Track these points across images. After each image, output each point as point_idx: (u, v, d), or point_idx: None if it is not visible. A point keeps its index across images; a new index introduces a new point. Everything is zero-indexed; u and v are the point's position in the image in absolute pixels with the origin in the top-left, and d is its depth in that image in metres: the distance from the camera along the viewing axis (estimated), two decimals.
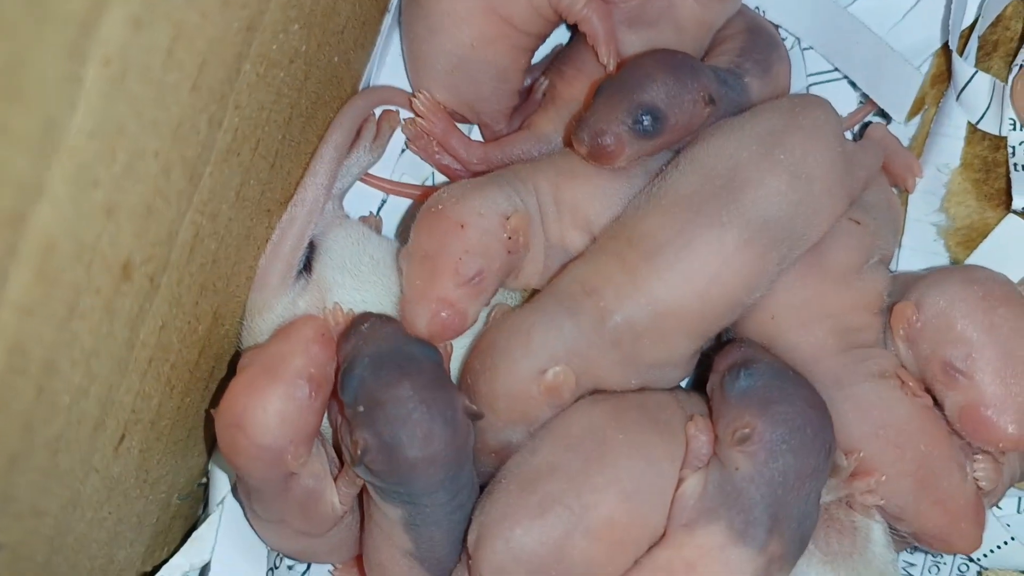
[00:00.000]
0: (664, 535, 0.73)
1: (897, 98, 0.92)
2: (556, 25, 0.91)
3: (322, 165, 0.87)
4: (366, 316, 0.79)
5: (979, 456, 0.78)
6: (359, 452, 0.72)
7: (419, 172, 0.97)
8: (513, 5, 0.87)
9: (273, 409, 0.74)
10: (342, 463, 0.80)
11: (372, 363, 0.73)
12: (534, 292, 0.84)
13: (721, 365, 0.77)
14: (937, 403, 0.79)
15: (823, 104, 0.82)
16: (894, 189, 0.91)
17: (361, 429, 0.72)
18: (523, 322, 0.77)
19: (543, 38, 0.93)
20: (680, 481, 0.74)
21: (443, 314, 0.77)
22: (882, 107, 0.92)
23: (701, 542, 0.72)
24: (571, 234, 0.83)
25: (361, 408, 0.72)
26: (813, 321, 0.80)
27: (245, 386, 0.76)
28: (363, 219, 0.93)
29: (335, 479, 0.79)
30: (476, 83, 0.91)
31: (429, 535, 0.75)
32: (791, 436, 0.71)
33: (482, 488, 0.77)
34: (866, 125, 0.94)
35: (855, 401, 0.77)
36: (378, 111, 0.93)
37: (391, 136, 0.94)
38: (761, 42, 0.89)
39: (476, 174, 0.91)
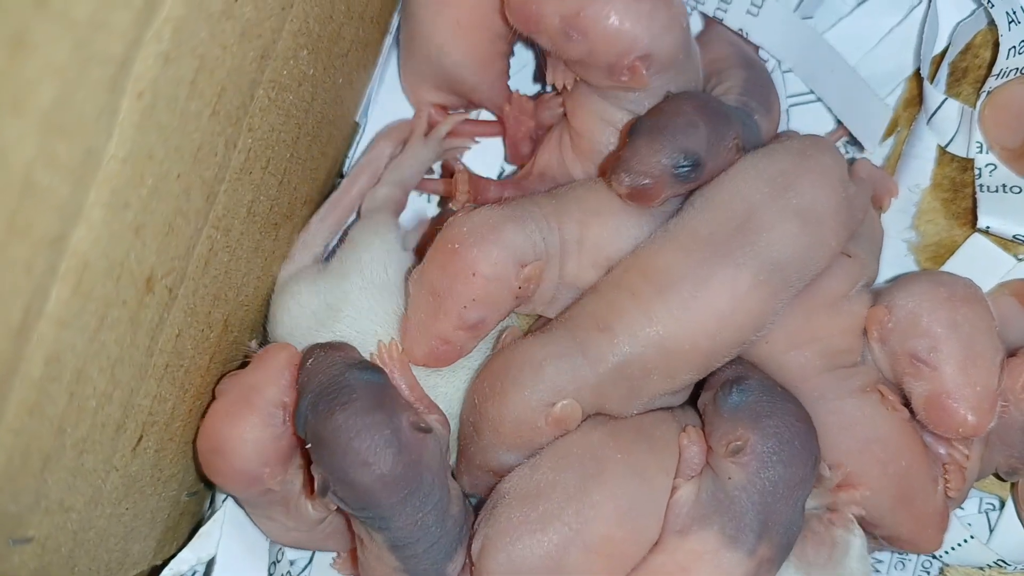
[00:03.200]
0: (658, 542, 0.77)
1: (868, 129, 0.96)
2: None
3: (365, 166, 0.94)
4: (312, 350, 0.81)
5: (949, 467, 0.83)
6: (319, 487, 0.75)
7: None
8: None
9: (250, 437, 0.79)
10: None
11: (312, 400, 0.75)
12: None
13: (714, 382, 0.81)
14: (907, 403, 0.83)
15: (830, 148, 0.85)
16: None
17: (315, 465, 0.75)
18: (536, 354, 0.78)
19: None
20: (674, 490, 0.77)
21: (440, 348, 0.80)
22: (854, 136, 0.96)
23: (694, 547, 0.75)
24: (588, 272, 0.82)
25: (310, 445, 0.75)
26: (802, 344, 0.83)
27: (224, 414, 0.81)
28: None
29: (308, 497, 0.83)
30: (460, 72, 0.95)
31: (413, 553, 0.77)
32: (781, 448, 0.75)
33: (476, 503, 0.81)
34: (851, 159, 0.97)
35: (840, 417, 0.81)
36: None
37: (446, 130, 0.98)
38: (760, 79, 0.92)
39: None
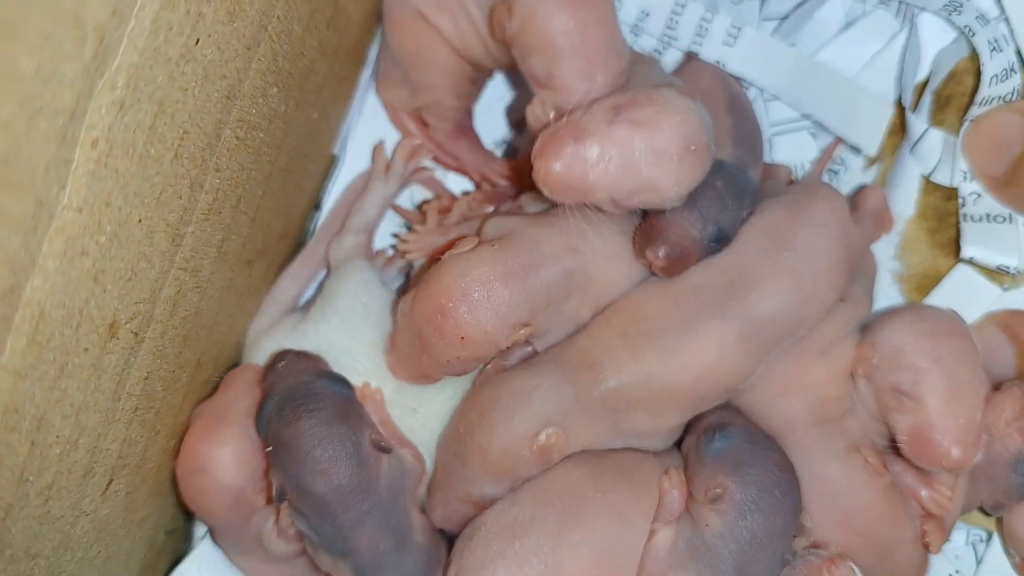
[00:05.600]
0: None
1: (868, 132, 0.94)
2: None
3: (332, 217, 0.95)
4: (284, 354, 0.81)
5: (929, 527, 0.82)
6: (275, 493, 0.75)
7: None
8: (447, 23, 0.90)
9: (231, 449, 0.80)
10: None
11: (278, 403, 0.76)
12: None
13: (698, 427, 0.80)
14: (893, 442, 0.82)
15: (827, 195, 0.84)
16: None
17: (273, 469, 0.75)
18: (525, 384, 0.78)
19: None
20: (651, 534, 0.77)
21: (422, 379, 0.81)
22: (853, 144, 0.95)
23: None
24: (585, 310, 0.81)
25: (270, 448, 0.75)
26: (791, 392, 0.82)
27: (201, 434, 0.81)
28: (378, 254, 0.98)
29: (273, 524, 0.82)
30: (426, 79, 0.95)
31: None
32: (760, 497, 0.74)
33: (450, 536, 0.80)
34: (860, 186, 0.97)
35: (823, 487, 0.80)
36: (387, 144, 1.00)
37: (406, 164, 0.98)
38: (748, 126, 0.90)
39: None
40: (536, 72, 0.80)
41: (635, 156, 0.74)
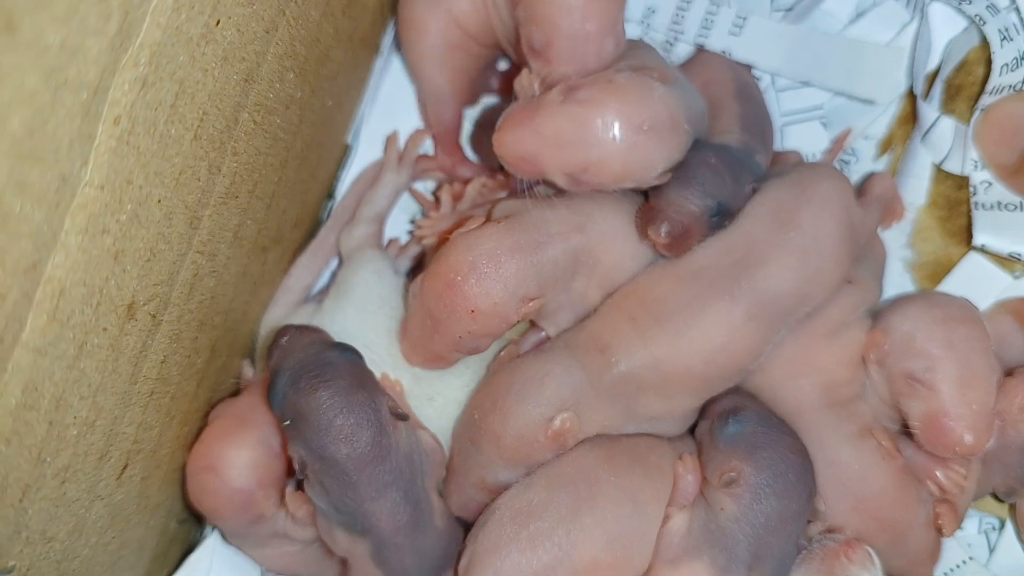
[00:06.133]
0: (648, 570, 0.76)
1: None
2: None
3: (343, 207, 0.95)
4: (286, 329, 0.81)
5: (942, 511, 0.82)
6: (297, 466, 0.74)
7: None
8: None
9: (246, 454, 0.79)
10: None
11: (291, 376, 0.75)
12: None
13: (712, 411, 0.80)
14: (906, 427, 0.82)
15: (831, 174, 0.85)
16: None
17: (293, 443, 0.75)
18: (538, 370, 0.79)
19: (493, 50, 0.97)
20: (666, 518, 0.77)
21: (435, 362, 0.81)
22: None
23: None
24: (593, 293, 0.82)
25: (288, 422, 0.75)
26: (800, 375, 0.82)
27: (219, 433, 0.81)
28: (391, 243, 0.98)
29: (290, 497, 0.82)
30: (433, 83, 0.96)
31: (400, 562, 0.77)
32: (775, 481, 0.74)
33: (466, 524, 0.81)
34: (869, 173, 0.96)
35: (836, 470, 0.80)
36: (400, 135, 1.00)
37: (416, 153, 0.99)
38: (757, 113, 0.91)
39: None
40: (533, 41, 0.81)
41: (582, 134, 0.76)
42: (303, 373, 0.75)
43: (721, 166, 0.81)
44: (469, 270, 0.76)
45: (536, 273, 0.78)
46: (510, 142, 0.78)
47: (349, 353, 0.78)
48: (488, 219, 0.81)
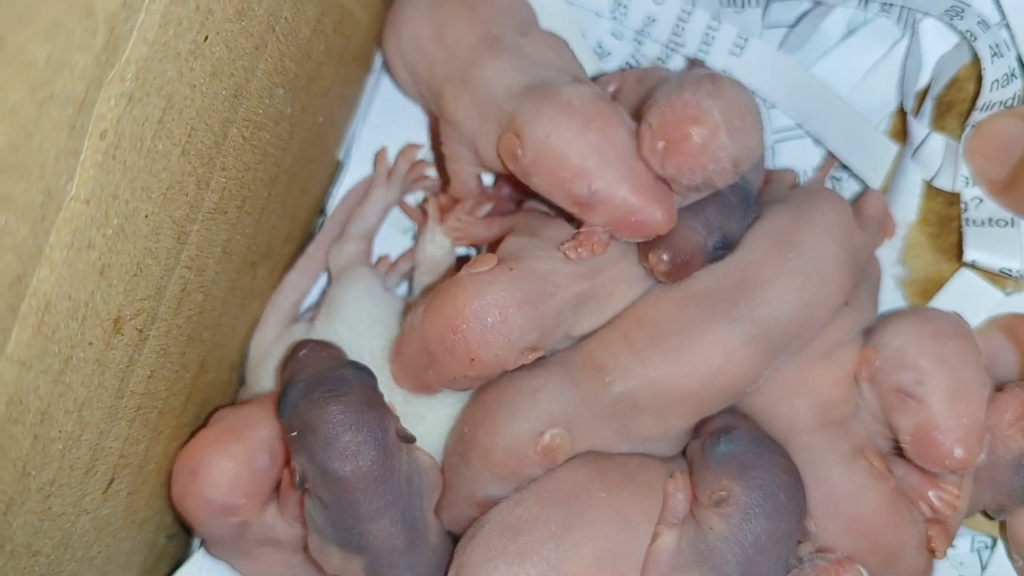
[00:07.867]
0: None
1: (872, 167, 0.95)
2: None
3: (332, 223, 0.95)
4: (304, 343, 0.82)
5: (934, 526, 0.82)
6: (297, 479, 0.74)
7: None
8: None
9: (229, 468, 0.79)
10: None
11: (305, 387, 0.75)
12: None
13: (703, 430, 0.80)
14: (897, 445, 0.82)
15: (832, 198, 0.85)
16: None
17: (296, 455, 0.75)
18: (530, 385, 0.79)
19: None
20: (655, 536, 0.76)
21: (425, 392, 0.82)
22: (859, 174, 0.95)
23: None
24: (590, 319, 0.81)
25: (295, 433, 0.75)
26: (795, 395, 0.82)
27: (211, 440, 0.81)
28: (381, 260, 0.98)
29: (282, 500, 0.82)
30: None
31: None
32: (765, 501, 0.73)
33: (457, 539, 0.80)
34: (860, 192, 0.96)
35: (827, 490, 0.80)
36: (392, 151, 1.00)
37: (407, 169, 0.99)
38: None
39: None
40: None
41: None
42: (317, 386, 0.75)
43: (733, 199, 0.81)
44: (475, 320, 0.76)
45: (540, 326, 0.78)
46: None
47: (364, 373, 0.78)
48: (495, 250, 0.82)
